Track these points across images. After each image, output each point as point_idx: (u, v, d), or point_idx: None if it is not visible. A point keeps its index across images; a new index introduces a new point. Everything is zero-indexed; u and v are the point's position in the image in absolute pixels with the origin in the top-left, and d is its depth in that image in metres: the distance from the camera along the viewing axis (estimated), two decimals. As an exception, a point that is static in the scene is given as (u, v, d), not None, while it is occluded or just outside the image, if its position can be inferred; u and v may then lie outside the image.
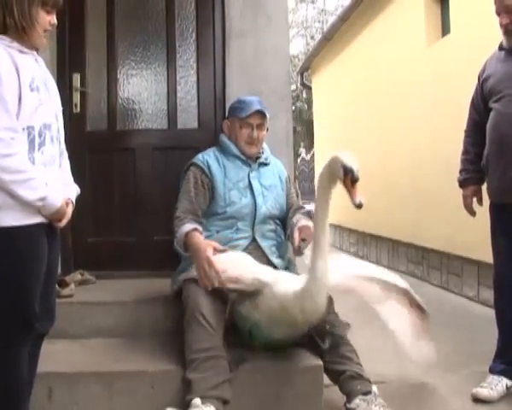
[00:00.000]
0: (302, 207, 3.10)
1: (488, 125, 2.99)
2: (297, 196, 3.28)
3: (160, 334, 2.97)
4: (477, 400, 2.88)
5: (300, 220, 2.86)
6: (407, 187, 6.32)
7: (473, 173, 3.15)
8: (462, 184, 3.21)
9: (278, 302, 2.44)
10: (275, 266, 2.85)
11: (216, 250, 2.63)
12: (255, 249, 2.87)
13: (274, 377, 2.61)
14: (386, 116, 7.07)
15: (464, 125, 3.22)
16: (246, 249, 2.84)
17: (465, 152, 3.20)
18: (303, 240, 2.73)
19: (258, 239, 2.89)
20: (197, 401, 2.35)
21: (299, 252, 2.74)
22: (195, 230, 2.72)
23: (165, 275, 3.07)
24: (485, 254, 4.64)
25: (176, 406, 2.43)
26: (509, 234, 2.95)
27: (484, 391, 2.89)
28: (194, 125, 3.76)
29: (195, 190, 2.88)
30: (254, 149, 2.98)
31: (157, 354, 2.75)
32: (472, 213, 3.19)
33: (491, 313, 4.53)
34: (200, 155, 3.01)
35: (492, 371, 3.00)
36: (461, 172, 3.22)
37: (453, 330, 3.99)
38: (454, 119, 5.15)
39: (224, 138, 3.05)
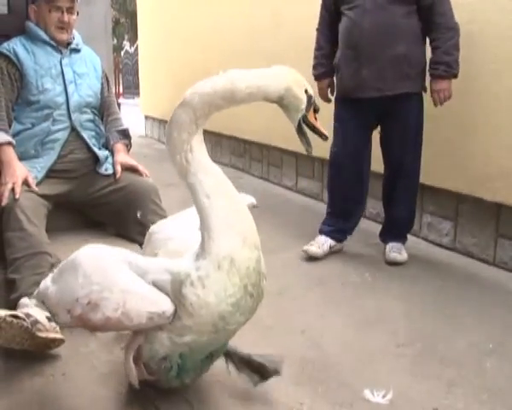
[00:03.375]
0: (118, 120, 3.03)
1: (341, 30, 3.36)
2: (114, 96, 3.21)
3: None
4: (308, 257, 3.44)
5: (117, 148, 2.92)
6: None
7: (328, 67, 3.52)
8: (319, 77, 3.55)
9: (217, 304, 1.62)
10: (97, 158, 2.80)
11: (27, 184, 2.54)
12: (75, 140, 2.79)
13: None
14: (210, 10, 6.96)
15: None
16: (66, 141, 2.75)
17: (319, 48, 3.53)
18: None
19: (78, 129, 2.79)
20: (25, 300, 2.28)
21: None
22: (9, 144, 2.60)
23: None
24: (303, 147, 4.92)
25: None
26: (349, 121, 3.39)
27: (312, 248, 3.44)
28: (3, 10, 3.43)
29: (1, 81, 2.68)
30: (65, 34, 2.82)
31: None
32: (328, 100, 3.57)
33: (309, 201, 4.90)
34: (5, 44, 2.80)
35: (321, 232, 3.56)
36: (316, 66, 3.56)
37: (275, 217, 4.22)
38: (271, 14, 5.24)
39: (30, 25, 2.85)
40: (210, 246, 1.61)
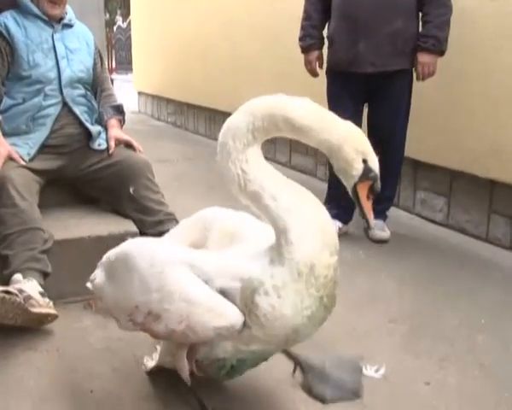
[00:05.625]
0: (112, 96, 3.01)
1: (335, 2, 3.25)
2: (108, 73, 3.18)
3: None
4: None
5: (110, 123, 2.90)
6: (225, 55, 6.30)
7: (317, 39, 3.39)
8: (306, 49, 3.41)
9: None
10: (89, 133, 2.79)
11: (13, 159, 2.52)
12: (67, 116, 2.75)
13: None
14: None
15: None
16: (58, 117, 2.72)
17: (308, 18, 3.37)
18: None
19: (70, 104, 2.76)
20: (18, 276, 2.27)
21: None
22: None
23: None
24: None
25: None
26: (341, 97, 3.30)
27: None
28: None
29: None
30: (58, 9, 2.78)
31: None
32: (316, 75, 3.47)
33: (303, 177, 4.89)
34: None
35: None
36: (304, 37, 3.41)
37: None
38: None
39: (22, -1, 2.79)
40: (289, 251, 1.44)
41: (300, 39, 3.43)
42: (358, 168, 1.49)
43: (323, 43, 3.43)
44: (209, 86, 6.70)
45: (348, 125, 1.50)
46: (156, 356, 1.95)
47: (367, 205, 1.56)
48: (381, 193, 3.44)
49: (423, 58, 3.17)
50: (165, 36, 7.88)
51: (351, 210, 3.41)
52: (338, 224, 3.37)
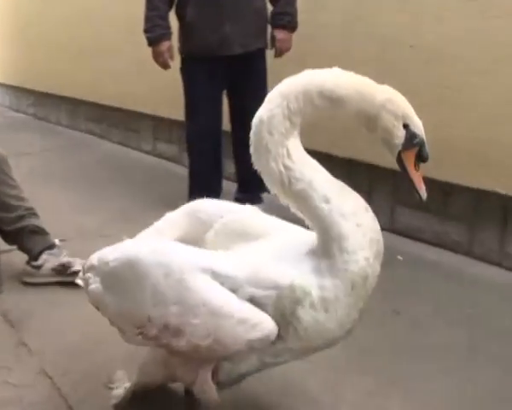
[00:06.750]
0: None
1: None
2: None
3: None
4: None
5: None
6: (87, 43, 6.10)
7: (166, 29, 3.28)
8: (156, 40, 3.26)
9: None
10: None
11: None
12: None
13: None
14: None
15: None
16: None
17: (154, 8, 3.25)
18: None
19: None
20: None
21: None
22: None
23: None
24: (161, 110, 4.90)
25: None
26: (203, 84, 3.26)
27: None
28: None
29: None
30: None
31: None
32: (168, 66, 3.35)
33: (167, 164, 4.90)
34: None
35: None
36: (152, 28, 3.27)
37: (135, 183, 4.19)
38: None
39: None
40: (345, 261, 1.30)
41: (148, 31, 3.28)
42: (400, 135, 1.34)
43: (172, 34, 3.34)
44: (71, 76, 6.48)
45: (385, 88, 1.36)
46: (126, 383, 1.73)
47: (416, 176, 1.38)
48: (254, 178, 3.46)
49: (281, 35, 3.27)
50: (28, 25, 7.45)
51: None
52: None
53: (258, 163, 1.37)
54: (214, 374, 1.43)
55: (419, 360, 2.06)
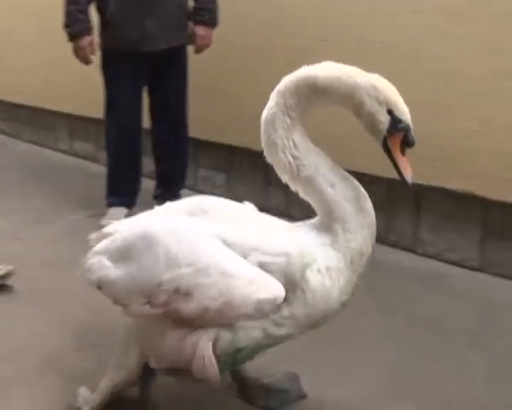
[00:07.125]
0: None
1: None
2: None
3: None
4: None
5: None
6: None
7: (87, 24, 3.20)
8: (77, 35, 3.18)
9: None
10: None
11: None
12: None
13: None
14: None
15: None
16: None
17: (74, 2, 3.15)
18: None
19: None
20: None
21: None
22: None
23: None
24: (78, 108, 4.78)
25: None
26: (125, 81, 3.24)
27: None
28: None
29: None
30: None
31: None
32: (90, 62, 3.27)
33: (84, 162, 4.80)
34: None
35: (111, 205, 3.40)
36: (73, 23, 3.17)
37: (52, 183, 4.09)
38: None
39: None
40: (347, 239, 1.46)
41: (68, 25, 3.18)
42: (384, 121, 1.40)
43: (93, 28, 3.27)
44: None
45: (371, 75, 1.43)
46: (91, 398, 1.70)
47: (401, 160, 1.44)
48: (172, 171, 3.40)
49: (201, 31, 3.28)
50: None
51: (134, 195, 3.46)
52: (124, 210, 3.34)
53: (269, 157, 1.52)
54: (213, 348, 1.44)
55: (337, 347, 2.10)
